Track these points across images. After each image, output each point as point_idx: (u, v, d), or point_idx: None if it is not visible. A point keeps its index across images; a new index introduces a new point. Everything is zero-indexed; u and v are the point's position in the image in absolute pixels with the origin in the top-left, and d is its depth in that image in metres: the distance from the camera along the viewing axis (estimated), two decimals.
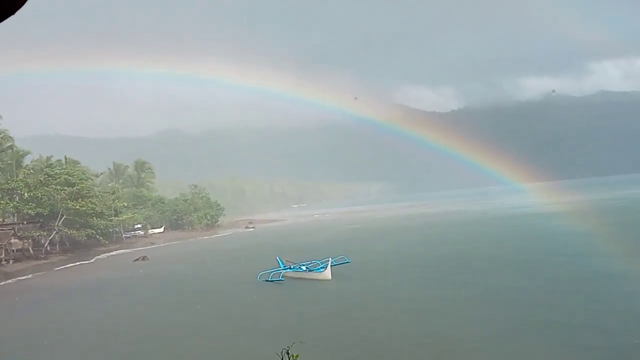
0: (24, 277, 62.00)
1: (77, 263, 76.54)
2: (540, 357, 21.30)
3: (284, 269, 45.14)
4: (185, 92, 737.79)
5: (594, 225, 63.66)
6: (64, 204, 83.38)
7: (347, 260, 46.26)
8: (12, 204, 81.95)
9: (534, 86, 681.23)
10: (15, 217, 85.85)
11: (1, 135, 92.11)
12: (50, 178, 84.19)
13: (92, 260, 79.65)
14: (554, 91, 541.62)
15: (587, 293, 30.83)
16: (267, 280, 42.80)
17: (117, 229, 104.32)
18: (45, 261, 77.54)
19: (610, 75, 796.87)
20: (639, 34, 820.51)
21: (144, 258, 71.00)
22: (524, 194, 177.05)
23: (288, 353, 6.69)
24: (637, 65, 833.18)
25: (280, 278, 43.14)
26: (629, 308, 26.69)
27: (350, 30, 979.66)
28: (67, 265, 74.16)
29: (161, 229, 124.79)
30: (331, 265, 42.42)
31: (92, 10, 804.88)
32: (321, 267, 43.29)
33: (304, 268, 44.64)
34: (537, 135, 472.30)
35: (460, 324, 26.54)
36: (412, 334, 25.34)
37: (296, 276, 43.92)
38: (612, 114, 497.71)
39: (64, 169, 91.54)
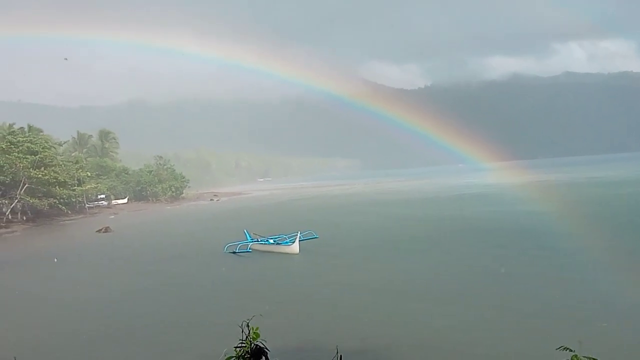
0: None
1: (37, 232, 76.12)
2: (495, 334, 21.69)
3: (251, 242, 45.23)
4: (150, 62, 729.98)
5: (547, 206, 64.92)
6: (26, 172, 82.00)
7: (315, 236, 46.47)
8: None
9: (499, 65, 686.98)
10: None
11: None
12: (12, 146, 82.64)
13: (53, 230, 79.29)
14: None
15: (541, 273, 30.93)
16: (233, 252, 42.86)
17: (80, 199, 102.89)
18: (7, 229, 76.87)
19: (575, 57, 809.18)
20: (603, 15, 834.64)
21: (106, 229, 69.02)
22: (487, 173, 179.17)
23: (248, 325, 7.09)
24: (601, 46, 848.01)
25: (247, 249, 43.36)
26: (589, 287, 27.10)
27: (316, 5, 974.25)
28: (26, 234, 73.74)
29: (125, 200, 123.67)
30: (299, 240, 42.44)
31: None
32: (289, 241, 43.33)
33: (271, 241, 44.60)
34: (501, 115, 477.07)
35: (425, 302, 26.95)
36: (372, 312, 25.20)
37: (263, 249, 43.98)
38: (575, 95, 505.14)
39: (27, 137, 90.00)
